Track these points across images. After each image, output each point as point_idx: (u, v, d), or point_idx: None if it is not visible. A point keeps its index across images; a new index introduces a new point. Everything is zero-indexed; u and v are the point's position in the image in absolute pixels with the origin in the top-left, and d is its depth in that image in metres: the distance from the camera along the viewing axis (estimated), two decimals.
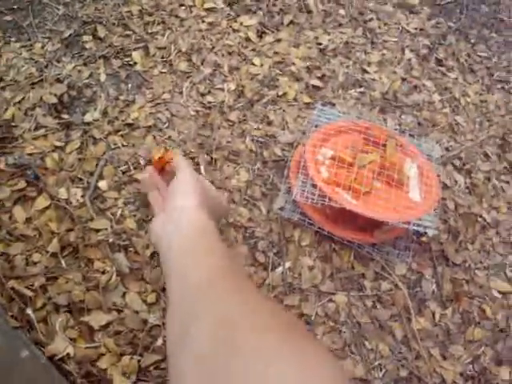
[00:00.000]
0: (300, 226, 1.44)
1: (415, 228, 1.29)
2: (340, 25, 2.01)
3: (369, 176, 1.38)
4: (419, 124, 1.77)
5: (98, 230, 1.37)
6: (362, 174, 1.38)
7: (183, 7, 1.96)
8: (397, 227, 1.35)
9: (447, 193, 1.61)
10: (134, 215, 1.42)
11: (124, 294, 1.28)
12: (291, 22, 1.97)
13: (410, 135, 1.58)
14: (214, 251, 0.67)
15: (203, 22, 1.92)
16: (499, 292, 1.45)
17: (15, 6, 1.93)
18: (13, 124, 1.58)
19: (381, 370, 1.27)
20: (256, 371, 0.45)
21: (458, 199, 1.60)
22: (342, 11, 2.06)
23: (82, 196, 1.43)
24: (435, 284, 1.43)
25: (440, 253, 1.49)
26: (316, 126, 1.50)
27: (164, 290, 1.28)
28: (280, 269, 1.38)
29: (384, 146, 1.47)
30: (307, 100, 1.73)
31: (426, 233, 1.32)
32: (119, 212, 1.42)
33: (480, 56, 2.09)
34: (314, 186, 1.34)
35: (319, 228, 1.42)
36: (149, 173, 0.88)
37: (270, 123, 1.65)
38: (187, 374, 0.50)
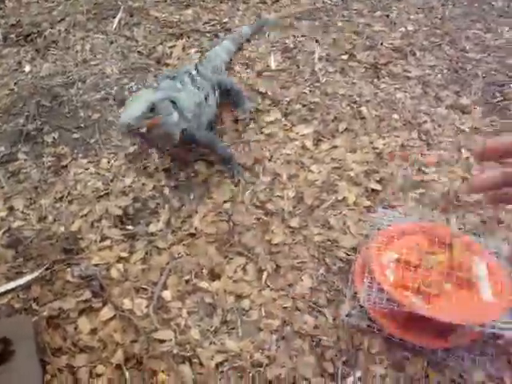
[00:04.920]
0: (369, 333, 1.38)
1: (492, 330, 1.22)
2: (394, 128, 2.03)
3: (437, 278, 1.34)
4: (483, 222, 1.71)
5: (162, 341, 1.36)
6: (430, 276, 1.33)
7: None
8: (472, 331, 1.28)
9: None
10: (199, 325, 1.40)
11: None
12: (346, 129, 2.02)
13: (475, 234, 1.53)
14: None
15: (262, 133, 1.99)
16: None
17: (82, 125, 2.07)
18: (79, 236, 1.64)
19: None
20: None
21: None
22: (395, 116, 2.09)
23: (146, 306, 1.44)
24: None
25: None
26: (378, 229, 1.49)
27: None
28: (350, 379, 1.30)
29: (450, 246, 1.43)
30: (367, 204, 1.72)
31: (502, 335, 1.25)
32: (183, 322, 1.41)
33: None
34: (382, 290, 1.30)
35: (389, 334, 1.36)
36: None
37: (331, 228, 1.64)
38: None
